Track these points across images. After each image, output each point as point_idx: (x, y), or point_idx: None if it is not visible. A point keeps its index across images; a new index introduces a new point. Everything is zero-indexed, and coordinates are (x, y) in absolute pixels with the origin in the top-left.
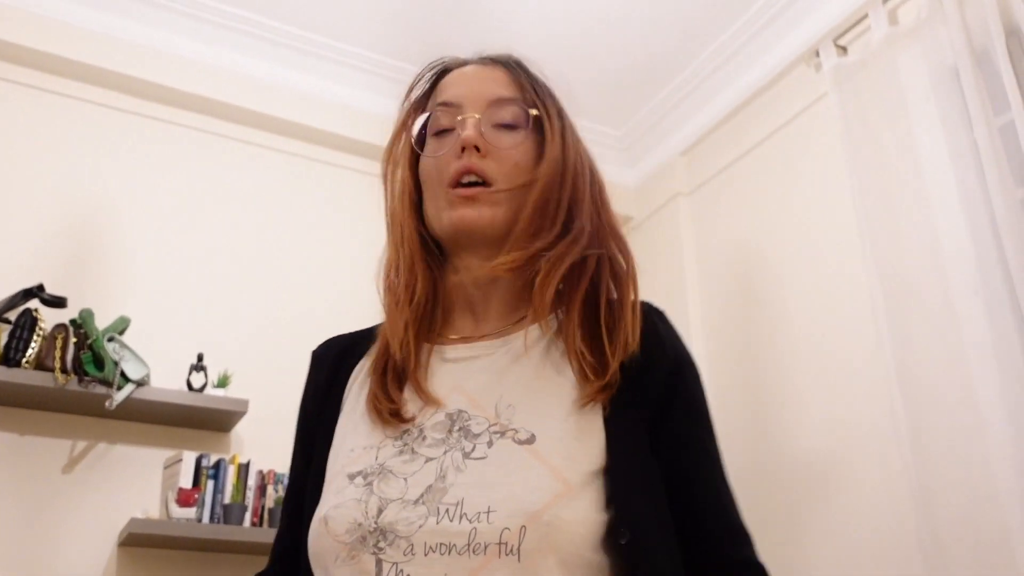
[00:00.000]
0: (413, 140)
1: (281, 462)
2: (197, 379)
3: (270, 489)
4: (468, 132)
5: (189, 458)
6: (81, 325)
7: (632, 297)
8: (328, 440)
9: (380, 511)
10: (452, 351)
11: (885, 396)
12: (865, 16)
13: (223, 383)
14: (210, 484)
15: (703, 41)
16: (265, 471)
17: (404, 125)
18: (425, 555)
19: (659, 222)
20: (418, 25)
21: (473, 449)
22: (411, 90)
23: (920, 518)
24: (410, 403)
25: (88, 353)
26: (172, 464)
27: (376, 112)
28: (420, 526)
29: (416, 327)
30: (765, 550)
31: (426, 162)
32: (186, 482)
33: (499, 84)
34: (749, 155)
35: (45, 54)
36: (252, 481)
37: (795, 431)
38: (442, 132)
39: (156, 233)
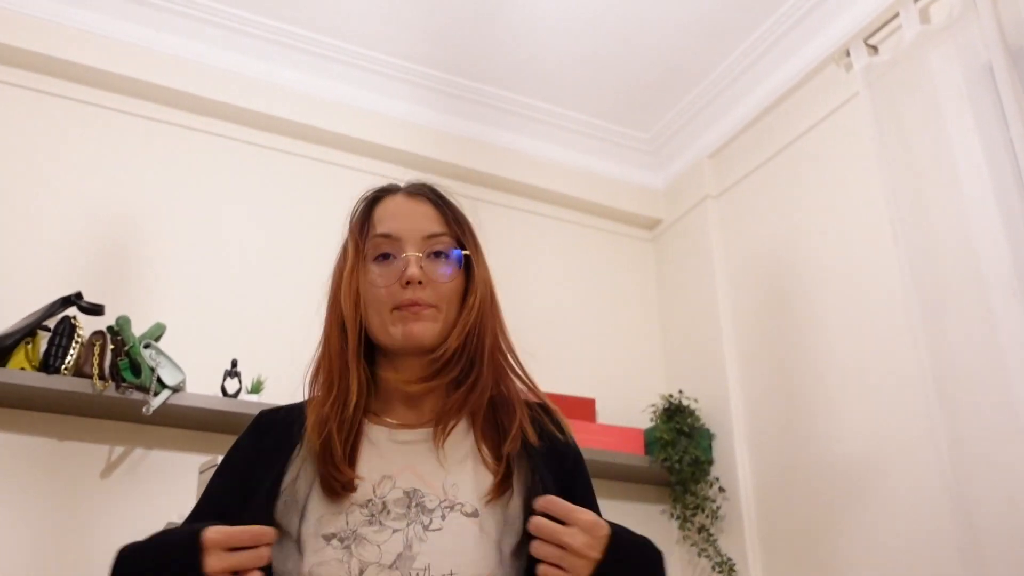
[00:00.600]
0: (350, 264)
1: None
2: (231, 385)
3: None
4: (412, 270)
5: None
6: (118, 332)
7: (518, 408)
8: (268, 494)
9: (361, 571)
10: (401, 435)
11: (921, 401)
12: (896, 15)
13: (257, 389)
14: None
15: (731, 42)
16: None
17: (347, 252)
18: None
19: (688, 225)
20: (443, 32)
21: (430, 523)
22: (352, 217)
23: (958, 526)
24: (367, 476)
25: (125, 360)
26: (207, 469)
27: (405, 118)
28: None
29: (360, 412)
30: (801, 557)
31: (373, 287)
32: None
33: (429, 220)
34: (778, 157)
35: (80, 66)
36: None
37: (830, 437)
38: (383, 257)
39: (191, 240)
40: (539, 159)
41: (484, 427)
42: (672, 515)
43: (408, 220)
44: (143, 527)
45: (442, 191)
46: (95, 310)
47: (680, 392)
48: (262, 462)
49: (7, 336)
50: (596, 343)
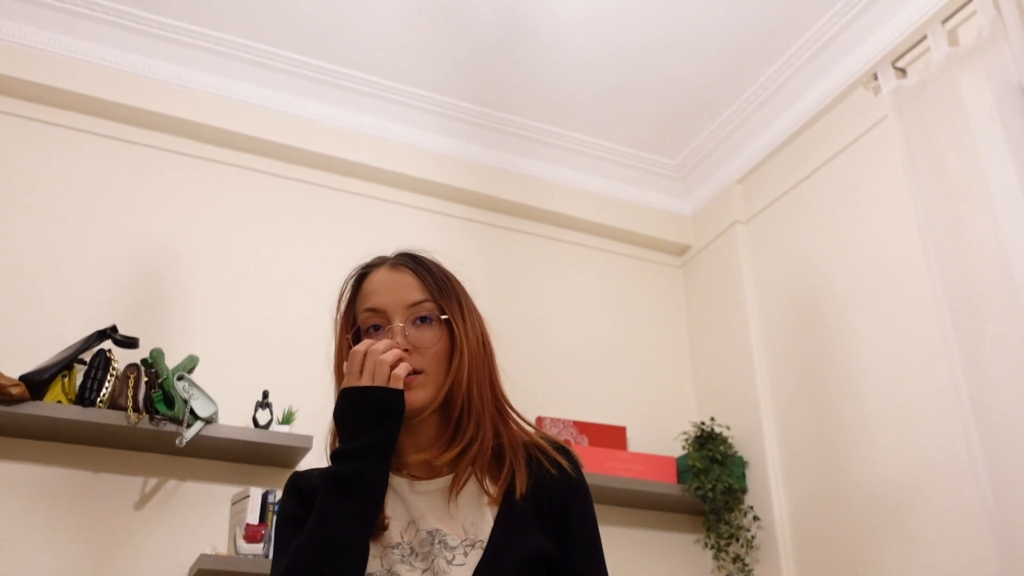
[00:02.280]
0: (350, 339)
1: None
2: (263, 416)
3: None
4: (398, 341)
5: (256, 494)
6: (152, 364)
7: (516, 451)
8: None
9: None
10: (420, 486)
11: (959, 424)
12: (924, 37)
13: (288, 420)
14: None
15: (758, 67)
16: None
17: (342, 328)
18: None
19: (717, 251)
20: (471, 63)
21: (453, 558)
22: (340, 297)
23: (1000, 552)
24: (394, 523)
25: (159, 392)
26: (239, 500)
27: (434, 150)
28: None
29: None
30: None
31: None
32: (253, 518)
33: (411, 289)
34: (807, 181)
35: (117, 104)
36: None
37: (865, 462)
38: (374, 329)
39: (222, 274)
40: (567, 187)
41: (490, 470)
42: (706, 544)
43: (391, 292)
44: (177, 558)
45: (423, 257)
46: (129, 343)
47: (712, 419)
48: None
49: (44, 370)
50: (627, 370)
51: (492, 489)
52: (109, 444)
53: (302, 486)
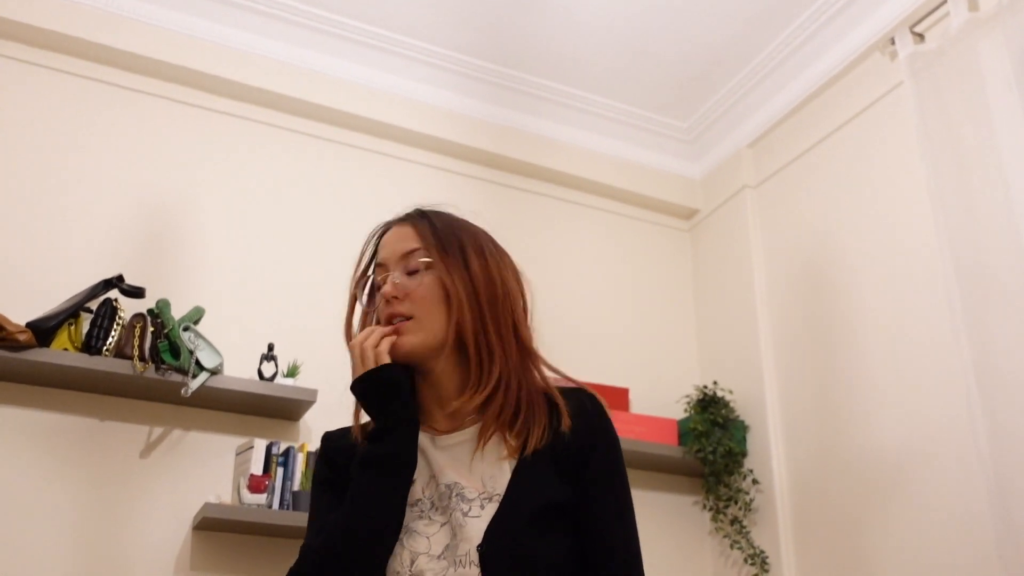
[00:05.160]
0: (355, 293)
1: None
2: (268, 368)
3: None
4: (386, 288)
5: (260, 445)
6: (158, 315)
7: (535, 401)
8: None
9: (412, 562)
10: (442, 440)
11: (962, 392)
12: (943, 2)
13: (292, 373)
14: (280, 471)
15: (772, 29)
16: None
17: (359, 284)
18: None
19: (725, 215)
20: (484, 21)
21: (469, 510)
22: (361, 255)
23: (997, 519)
24: (417, 479)
25: (165, 342)
26: (244, 451)
27: (444, 107)
28: (442, 574)
29: None
30: (835, 549)
31: (378, 312)
32: (257, 469)
33: (407, 239)
34: (819, 147)
35: (124, 52)
36: None
37: (866, 429)
38: (380, 286)
39: (230, 226)
40: (577, 147)
41: (510, 423)
42: (705, 506)
43: (391, 246)
44: (181, 506)
45: (431, 210)
46: (136, 293)
47: (715, 383)
48: (341, 480)
49: (51, 317)
50: (631, 332)
51: (512, 441)
52: (115, 392)
53: (331, 450)
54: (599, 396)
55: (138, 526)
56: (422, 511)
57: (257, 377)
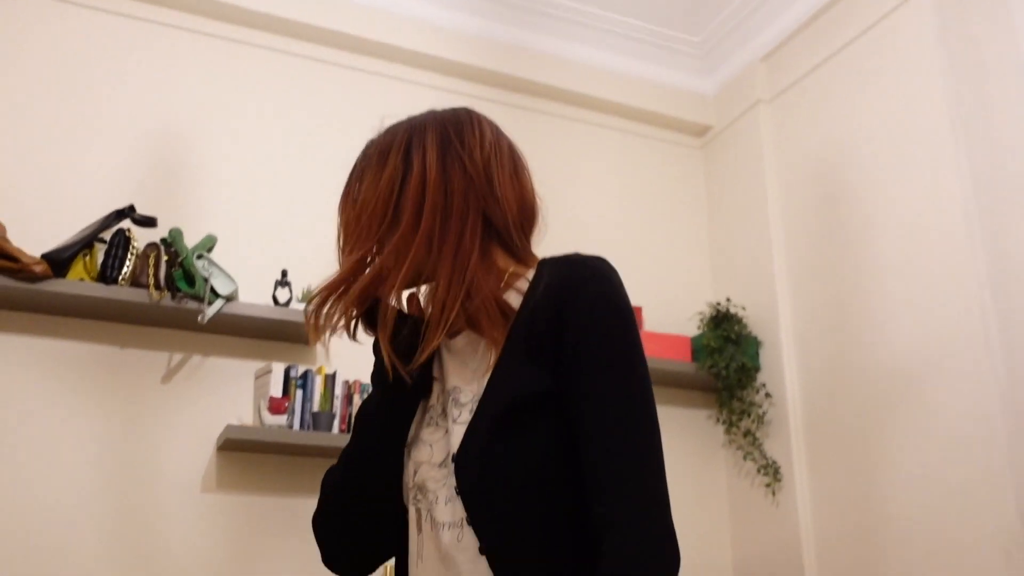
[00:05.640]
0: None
1: (365, 373)
2: (282, 294)
3: (356, 398)
4: None
5: (278, 369)
6: (171, 243)
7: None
8: None
9: (415, 472)
10: (451, 344)
11: (975, 304)
12: None
13: (307, 297)
14: (299, 393)
15: None
16: (351, 381)
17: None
18: (445, 504)
19: (739, 131)
20: None
21: (460, 415)
22: (350, 177)
23: (1008, 432)
24: (436, 385)
25: (179, 270)
26: (262, 375)
27: (451, 27)
28: (442, 483)
29: None
30: (846, 459)
31: None
32: (276, 391)
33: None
34: (834, 59)
35: None
36: (339, 390)
37: (879, 341)
38: None
39: (240, 154)
40: (584, 64)
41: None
42: (718, 420)
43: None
44: (204, 429)
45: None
46: (148, 222)
47: (728, 300)
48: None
49: (65, 248)
50: (643, 251)
51: (498, 335)
52: (133, 321)
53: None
54: (596, 260)
55: (164, 448)
56: (431, 418)
57: (272, 303)
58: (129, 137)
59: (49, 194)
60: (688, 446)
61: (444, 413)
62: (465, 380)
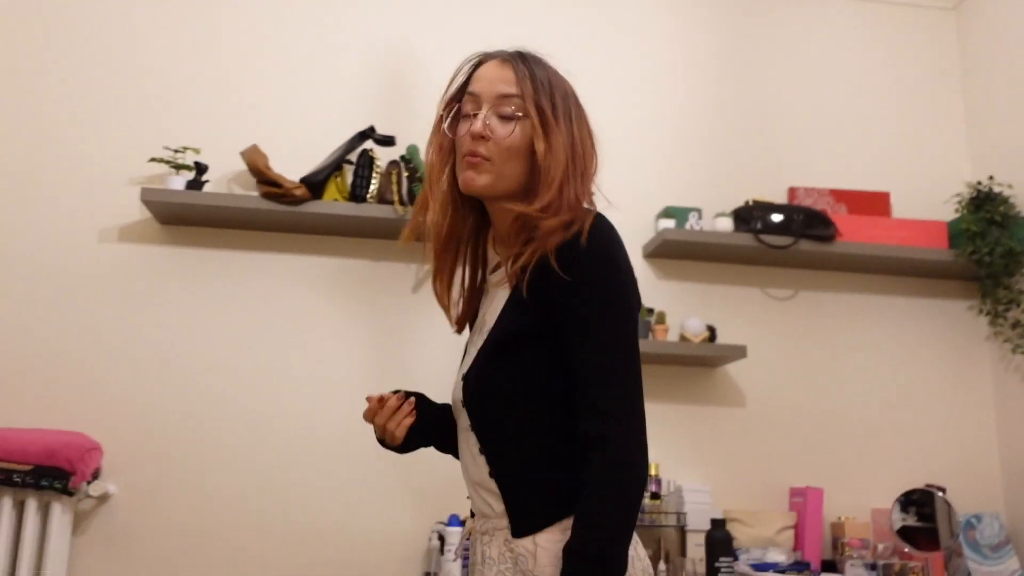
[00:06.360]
0: (449, 121)
1: None
2: None
3: None
4: (476, 126)
5: None
6: (410, 160)
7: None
8: None
9: (455, 384)
10: (492, 277)
11: None
12: None
13: None
14: None
15: None
16: None
17: (447, 107)
18: (461, 413)
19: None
20: None
21: (479, 341)
22: (453, 79)
23: None
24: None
25: (419, 185)
26: None
27: None
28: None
29: (458, 261)
30: None
31: (459, 137)
32: None
33: (505, 82)
34: None
35: None
36: None
37: None
38: (468, 115)
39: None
40: None
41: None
42: (981, 311)
43: (489, 82)
44: (452, 335)
45: (533, 58)
46: (387, 141)
47: (990, 178)
48: None
49: (319, 172)
50: (889, 131)
51: (510, 271)
52: (382, 235)
53: None
54: (600, 230)
55: (417, 350)
56: (471, 340)
57: None
58: (365, 61)
59: (296, 121)
60: (945, 341)
61: (473, 337)
62: (492, 312)
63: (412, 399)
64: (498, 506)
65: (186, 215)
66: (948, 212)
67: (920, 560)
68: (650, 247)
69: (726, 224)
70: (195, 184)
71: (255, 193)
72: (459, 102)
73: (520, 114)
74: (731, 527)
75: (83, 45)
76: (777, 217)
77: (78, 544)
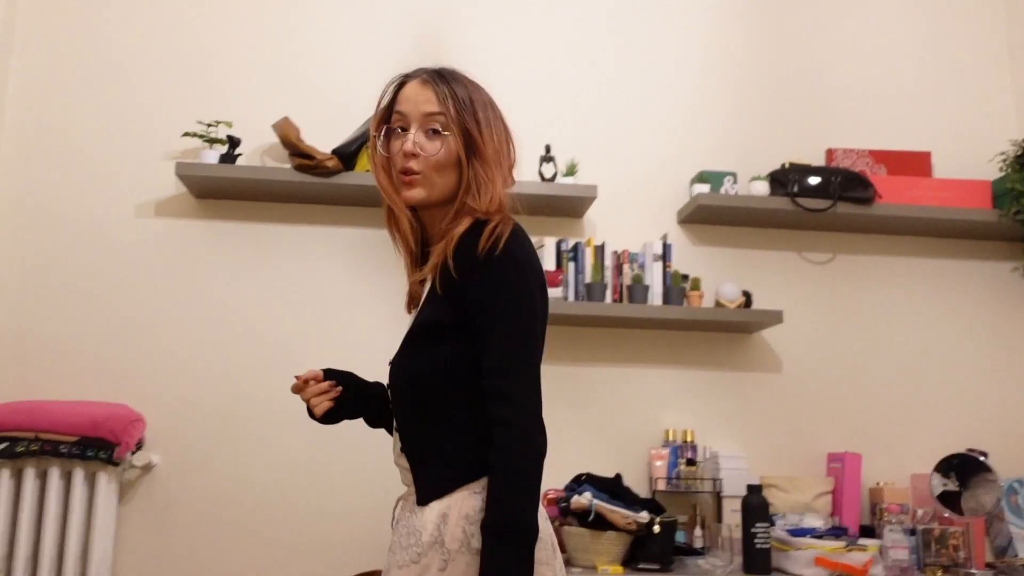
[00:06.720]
0: (381, 136)
1: (633, 241)
2: (547, 169)
3: (626, 268)
4: (407, 145)
5: (549, 243)
6: None
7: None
8: None
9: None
10: (424, 270)
11: None
12: None
13: (571, 171)
14: (571, 266)
15: None
16: (619, 251)
17: (376, 123)
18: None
19: None
20: None
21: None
22: (380, 100)
23: None
24: None
25: None
26: (536, 249)
27: None
28: None
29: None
30: None
31: (391, 155)
32: (550, 265)
33: (429, 102)
34: None
35: None
36: (608, 261)
37: None
38: (400, 130)
39: (503, 34)
40: None
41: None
42: None
43: (412, 102)
44: None
45: (453, 76)
46: None
47: None
48: None
49: (350, 143)
50: (928, 89)
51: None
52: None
53: None
54: (501, 232)
55: None
56: None
57: (538, 179)
58: (394, 31)
59: (328, 93)
60: (987, 303)
61: None
62: (421, 303)
63: (339, 388)
64: (407, 478)
65: (220, 188)
66: (992, 171)
67: (961, 525)
68: (684, 212)
69: (762, 188)
70: (228, 158)
71: (288, 165)
72: (388, 122)
73: (446, 132)
74: (768, 493)
75: (117, 23)
76: (814, 180)
77: (124, 512)
